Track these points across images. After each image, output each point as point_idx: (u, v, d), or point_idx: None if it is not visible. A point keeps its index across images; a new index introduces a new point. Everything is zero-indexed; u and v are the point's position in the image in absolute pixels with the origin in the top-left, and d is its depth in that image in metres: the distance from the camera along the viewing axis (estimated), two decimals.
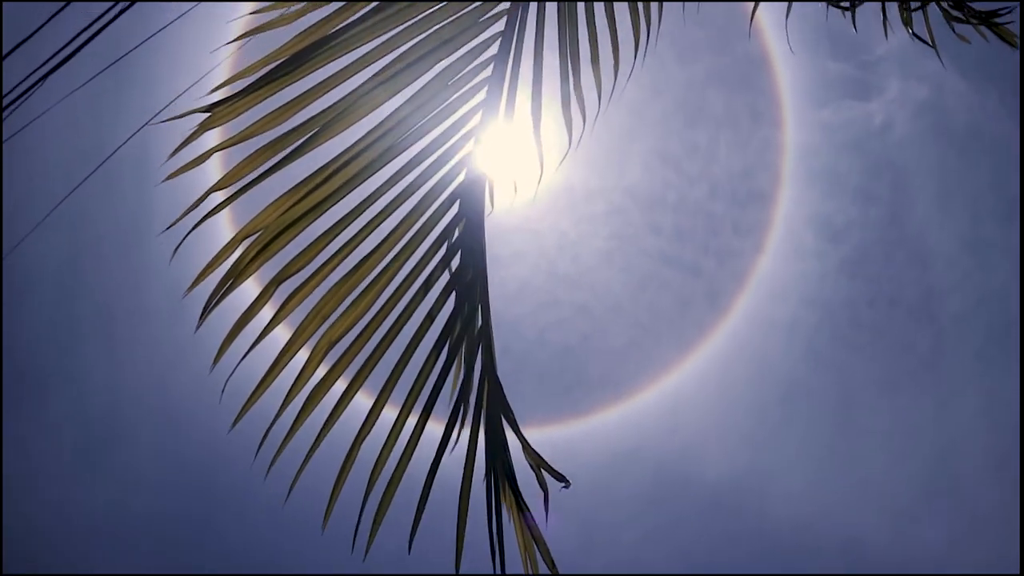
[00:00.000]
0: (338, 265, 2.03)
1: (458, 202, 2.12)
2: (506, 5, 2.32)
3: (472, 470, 1.82)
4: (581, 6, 2.42)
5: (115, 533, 12.95)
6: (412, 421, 1.93)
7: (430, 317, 1.94)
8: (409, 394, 1.90)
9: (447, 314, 1.96)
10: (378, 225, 2.07)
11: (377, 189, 2.12)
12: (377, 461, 1.82)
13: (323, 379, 1.91)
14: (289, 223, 2.08)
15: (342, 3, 2.23)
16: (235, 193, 2.06)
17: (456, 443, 1.90)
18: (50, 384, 12.77)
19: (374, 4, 2.24)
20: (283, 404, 1.89)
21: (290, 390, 1.89)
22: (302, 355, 1.96)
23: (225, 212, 2.11)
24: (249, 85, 2.15)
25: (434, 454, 1.80)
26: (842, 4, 3.70)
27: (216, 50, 2.12)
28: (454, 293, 1.95)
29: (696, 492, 13.35)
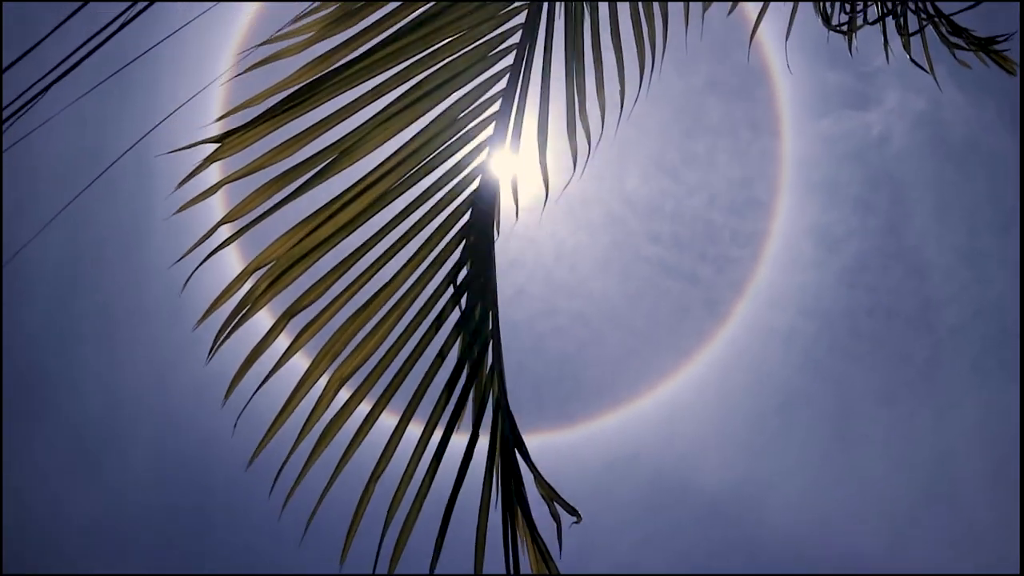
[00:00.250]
0: (350, 299, 2.06)
1: (467, 238, 2.15)
2: (515, 40, 2.35)
3: (488, 504, 1.85)
4: (588, 42, 2.45)
5: (114, 533, 12.97)
6: (425, 443, 1.97)
7: (441, 356, 1.97)
8: (425, 429, 1.93)
9: (456, 353, 1.99)
10: (388, 260, 2.10)
11: (388, 223, 2.15)
12: (393, 499, 1.86)
13: (338, 413, 1.94)
14: (300, 256, 2.11)
15: (349, 34, 2.26)
16: (243, 227, 2.09)
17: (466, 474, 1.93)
18: (50, 384, 12.79)
19: (384, 36, 2.27)
20: (298, 438, 1.92)
21: (304, 425, 1.92)
22: (316, 387, 1.99)
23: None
24: (259, 116, 2.18)
25: (450, 491, 1.83)
26: (841, 28, 3.74)
27: (224, 83, 2.14)
28: (462, 333, 1.98)
29: (694, 499, 13.39)
